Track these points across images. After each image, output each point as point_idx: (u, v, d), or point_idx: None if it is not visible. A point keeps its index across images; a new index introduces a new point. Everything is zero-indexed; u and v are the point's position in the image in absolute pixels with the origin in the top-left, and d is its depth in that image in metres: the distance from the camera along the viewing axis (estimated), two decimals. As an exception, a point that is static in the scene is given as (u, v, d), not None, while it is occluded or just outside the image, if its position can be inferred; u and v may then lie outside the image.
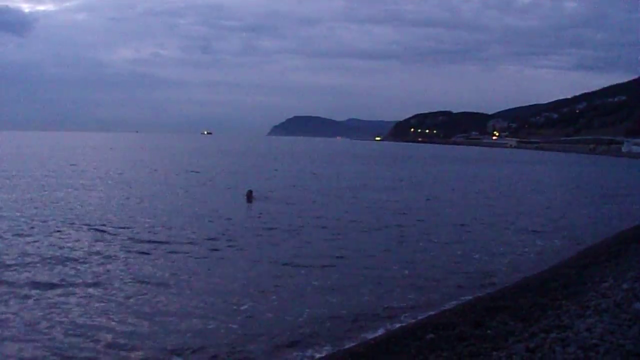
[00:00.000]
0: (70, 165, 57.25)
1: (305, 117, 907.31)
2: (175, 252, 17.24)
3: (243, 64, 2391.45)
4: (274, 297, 13.02)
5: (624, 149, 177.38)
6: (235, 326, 11.11)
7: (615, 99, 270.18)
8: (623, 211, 31.95)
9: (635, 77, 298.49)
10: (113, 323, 10.99)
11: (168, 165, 63.39)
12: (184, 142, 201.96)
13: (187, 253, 17.24)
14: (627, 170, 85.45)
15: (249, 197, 30.30)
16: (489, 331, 9.25)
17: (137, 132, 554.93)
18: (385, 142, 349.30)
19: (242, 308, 12.21)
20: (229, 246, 18.46)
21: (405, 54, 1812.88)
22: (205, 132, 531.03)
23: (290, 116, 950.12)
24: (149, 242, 18.73)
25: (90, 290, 13.02)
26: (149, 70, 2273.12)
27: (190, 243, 18.69)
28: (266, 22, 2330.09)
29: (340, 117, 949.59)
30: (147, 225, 22.03)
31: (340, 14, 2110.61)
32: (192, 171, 52.80)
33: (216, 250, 17.85)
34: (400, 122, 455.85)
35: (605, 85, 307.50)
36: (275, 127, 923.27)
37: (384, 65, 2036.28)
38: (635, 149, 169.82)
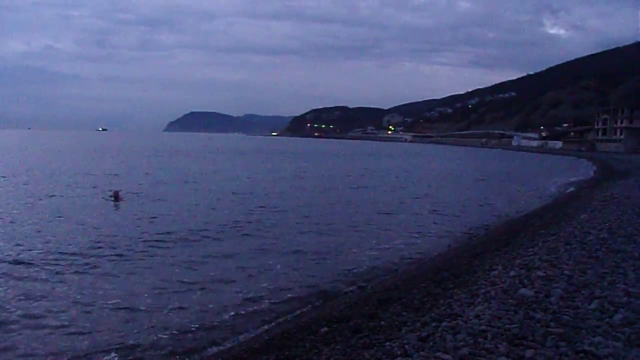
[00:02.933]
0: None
1: (202, 113, 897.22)
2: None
3: (140, 59, 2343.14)
4: (150, 299, 12.61)
5: (513, 142, 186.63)
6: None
7: (506, 95, 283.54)
8: (512, 201, 33.28)
9: (524, 74, 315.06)
10: None
11: (44, 165, 59.52)
12: (75, 139, 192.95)
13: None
14: (516, 163, 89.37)
15: (116, 196, 29.04)
16: (382, 322, 9.27)
17: (29, 129, 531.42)
18: (281, 137, 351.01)
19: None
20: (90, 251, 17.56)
21: (303, 50, 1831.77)
22: (100, 129, 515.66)
23: (187, 112, 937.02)
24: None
25: None
26: (42, 64, 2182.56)
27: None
28: (164, 16, 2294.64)
29: (237, 113, 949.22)
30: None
31: (240, 9, 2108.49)
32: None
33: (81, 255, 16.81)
34: (297, 117, 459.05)
35: (497, 82, 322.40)
36: (172, 122, 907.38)
37: (282, 60, 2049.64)
38: (524, 142, 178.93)
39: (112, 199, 28.93)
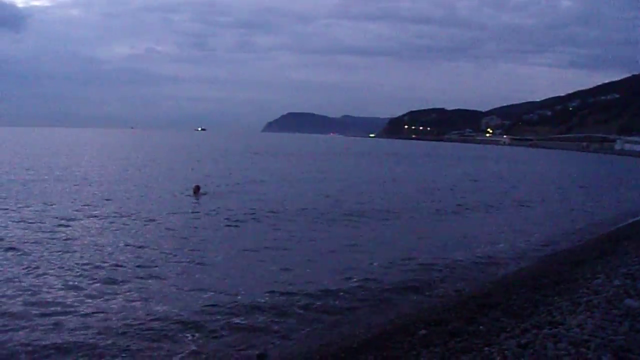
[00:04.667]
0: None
1: (299, 114, 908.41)
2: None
3: (237, 61, 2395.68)
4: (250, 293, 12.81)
5: (616, 146, 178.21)
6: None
7: (609, 97, 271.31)
8: (616, 208, 32.07)
9: (628, 75, 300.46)
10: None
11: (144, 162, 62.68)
12: (176, 139, 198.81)
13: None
14: (619, 168, 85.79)
15: (196, 191, 30.13)
16: (481, 327, 9.29)
17: (132, 128, 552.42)
18: (379, 139, 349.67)
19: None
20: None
21: (400, 51, 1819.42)
22: (199, 129, 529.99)
23: (285, 112, 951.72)
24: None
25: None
26: (144, 66, 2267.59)
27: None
28: (261, 18, 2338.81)
29: (334, 114, 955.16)
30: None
31: (335, 10, 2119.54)
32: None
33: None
34: (394, 118, 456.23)
35: (599, 83, 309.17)
36: (270, 123, 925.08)
37: (378, 62, 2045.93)
38: (627, 147, 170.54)
39: (193, 194, 29.98)
